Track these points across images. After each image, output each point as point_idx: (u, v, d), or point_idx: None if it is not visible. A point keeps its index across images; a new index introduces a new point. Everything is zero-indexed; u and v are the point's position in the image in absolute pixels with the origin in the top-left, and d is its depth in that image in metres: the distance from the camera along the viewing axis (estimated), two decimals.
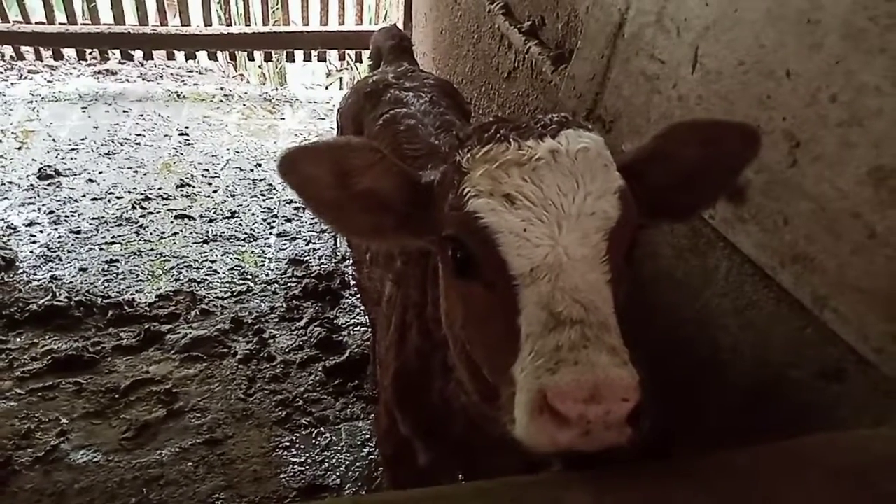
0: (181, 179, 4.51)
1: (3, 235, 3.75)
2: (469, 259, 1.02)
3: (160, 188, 4.40)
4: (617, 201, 1.00)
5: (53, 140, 4.90)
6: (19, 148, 4.75)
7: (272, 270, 3.69)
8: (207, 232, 3.98)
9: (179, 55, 6.27)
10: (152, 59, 6.38)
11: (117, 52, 6.23)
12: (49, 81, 5.91)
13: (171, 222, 4.06)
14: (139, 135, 5.10)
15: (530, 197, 0.96)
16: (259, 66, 6.96)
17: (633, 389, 0.84)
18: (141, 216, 4.08)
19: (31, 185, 4.30)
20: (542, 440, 0.86)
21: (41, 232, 3.84)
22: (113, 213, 4.08)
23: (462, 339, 1.11)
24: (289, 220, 4.15)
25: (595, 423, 0.82)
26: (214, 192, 4.44)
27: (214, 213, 4.19)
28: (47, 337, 3.06)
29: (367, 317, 3.17)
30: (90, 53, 6.29)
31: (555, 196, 0.97)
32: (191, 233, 3.97)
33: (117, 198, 4.25)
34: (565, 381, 0.82)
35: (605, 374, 0.83)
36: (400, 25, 5.32)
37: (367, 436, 2.70)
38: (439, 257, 1.19)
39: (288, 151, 1.11)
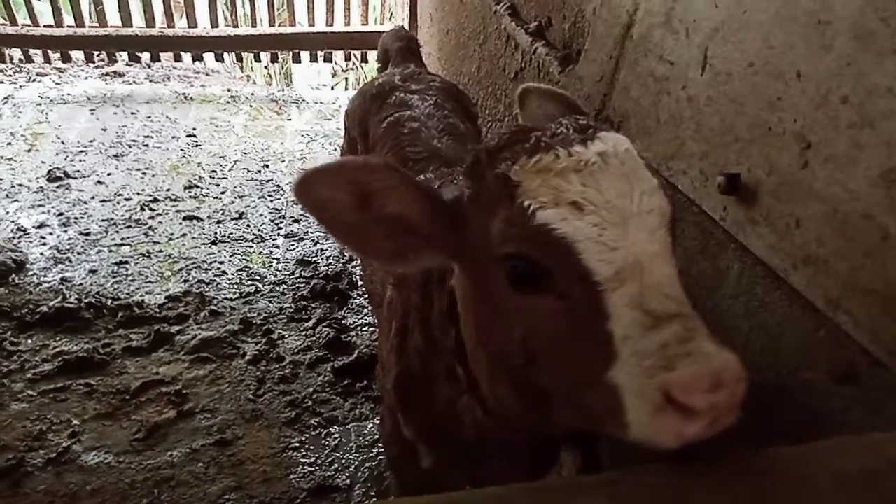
0: (189, 181, 4.54)
1: (13, 238, 3.78)
2: (533, 273, 0.98)
3: (168, 190, 4.43)
4: (665, 196, 1.01)
5: (62, 142, 4.93)
6: (28, 150, 4.79)
7: (280, 271, 3.70)
8: (216, 233, 3.99)
9: (186, 57, 6.31)
10: (159, 60, 6.42)
11: (125, 54, 6.27)
12: (57, 84, 5.95)
13: (180, 224, 4.08)
14: (147, 136, 5.13)
15: (595, 201, 0.95)
16: (265, 68, 6.99)
17: (743, 369, 0.84)
18: (150, 218, 4.10)
19: (41, 187, 4.33)
20: (667, 437, 0.85)
21: (51, 234, 3.87)
22: (122, 215, 4.11)
23: (514, 355, 1.05)
24: (296, 221, 4.16)
25: (722, 409, 0.83)
26: (222, 193, 4.45)
27: (222, 214, 4.21)
28: (58, 339, 3.09)
29: (374, 317, 3.17)
30: (98, 55, 6.34)
31: (615, 198, 0.96)
32: (199, 234, 3.99)
33: (126, 199, 4.28)
34: (688, 375, 0.82)
35: (720, 360, 0.83)
36: (405, 26, 5.33)
37: (377, 436, 2.70)
38: (468, 275, 1.14)
39: (304, 174, 1.04)
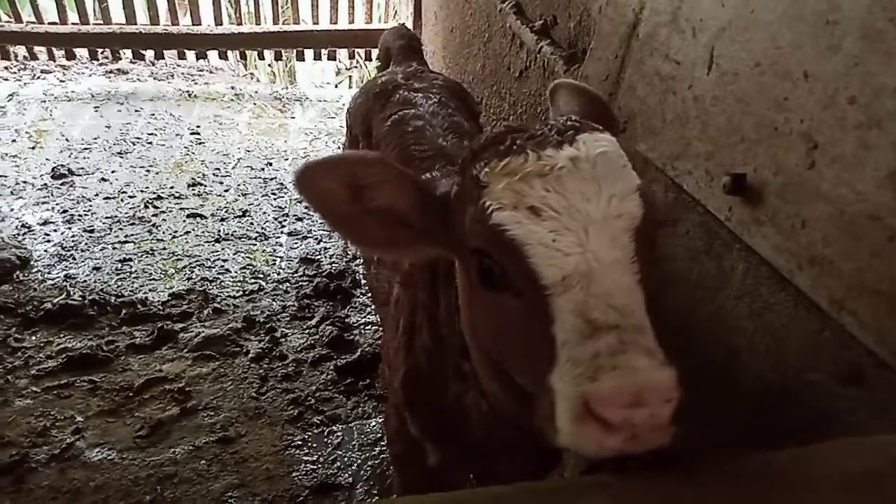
0: (193, 178, 4.55)
1: (18, 234, 3.79)
2: (496, 271, 1.02)
3: (172, 187, 4.43)
4: (639, 200, 1.01)
5: (66, 139, 4.94)
6: (33, 147, 4.80)
7: (284, 269, 3.71)
8: (219, 231, 4.00)
9: (190, 54, 6.31)
10: (163, 58, 6.42)
11: (129, 51, 6.28)
12: (62, 81, 5.96)
13: (184, 221, 4.09)
14: (151, 134, 5.14)
15: (555, 207, 0.96)
16: (269, 65, 7.00)
17: (674, 389, 0.84)
18: (153, 215, 4.11)
19: (45, 184, 4.34)
20: (588, 446, 0.86)
21: (55, 231, 3.88)
22: (126, 213, 4.12)
23: (492, 350, 1.10)
24: (300, 219, 4.17)
25: (641, 426, 0.83)
26: (226, 191, 4.46)
27: (226, 212, 4.21)
28: (62, 335, 3.10)
29: (377, 316, 3.18)
30: (102, 53, 6.34)
31: (579, 203, 0.96)
32: (203, 232, 3.99)
33: (130, 197, 4.29)
34: (607, 388, 0.82)
35: (646, 377, 0.83)
36: (409, 24, 5.33)
37: (379, 434, 2.71)
38: (461, 269, 1.18)
39: (304, 167, 1.11)
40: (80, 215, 4.05)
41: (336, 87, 7.19)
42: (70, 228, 3.91)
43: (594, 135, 1.05)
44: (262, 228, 4.07)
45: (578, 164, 0.99)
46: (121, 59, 6.43)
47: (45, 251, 3.69)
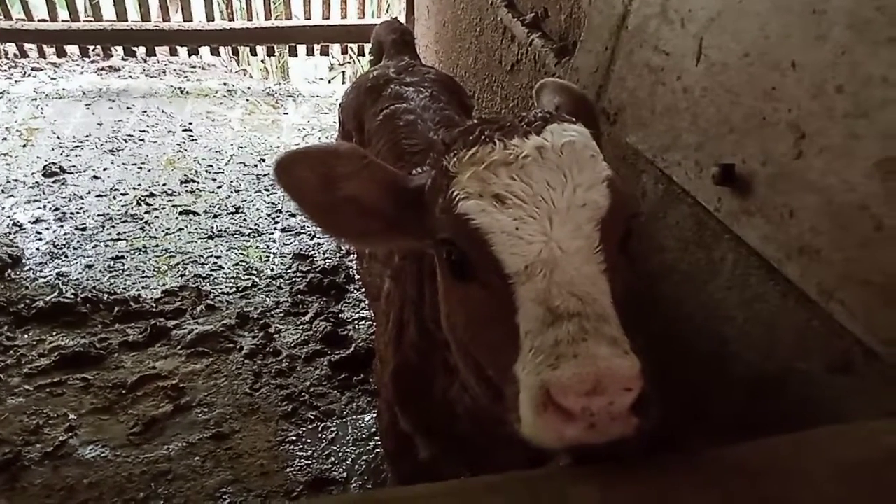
0: (185, 175, 4.53)
1: (10, 233, 3.77)
2: (464, 261, 1.03)
3: (164, 184, 4.42)
4: (606, 190, 1.01)
5: (58, 137, 4.91)
6: (24, 145, 4.78)
7: (277, 265, 3.70)
8: (212, 227, 3.99)
9: (182, 51, 6.29)
10: (155, 55, 6.40)
11: (120, 48, 6.24)
12: (53, 79, 5.93)
13: (176, 218, 4.07)
14: (143, 131, 5.12)
15: (520, 195, 0.97)
16: (262, 61, 6.96)
17: (635, 379, 0.83)
18: (146, 212, 4.10)
19: (37, 182, 4.32)
20: (548, 436, 0.86)
21: (47, 229, 3.86)
22: (118, 210, 4.10)
23: (465, 342, 1.10)
24: (293, 215, 4.15)
25: (599, 415, 0.82)
26: (219, 187, 4.45)
27: (219, 208, 4.20)
28: (54, 333, 3.08)
29: (371, 311, 3.17)
30: (93, 50, 6.31)
31: (544, 192, 0.97)
32: (196, 228, 3.98)
33: (122, 194, 4.27)
34: (566, 376, 0.82)
35: (605, 365, 0.82)
36: (402, 18, 5.31)
37: (373, 429, 2.71)
38: (436, 260, 1.18)
39: (282, 156, 1.13)
40: (72, 213, 4.03)
41: (329, 82, 7.17)
42: (62, 226, 3.89)
43: (563, 125, 1.06)
44: (256, 225, 4.06)
45: (544, 153, 1.00)
46: (112, 56, 6.39)
47: (37, 249, 3.67)
